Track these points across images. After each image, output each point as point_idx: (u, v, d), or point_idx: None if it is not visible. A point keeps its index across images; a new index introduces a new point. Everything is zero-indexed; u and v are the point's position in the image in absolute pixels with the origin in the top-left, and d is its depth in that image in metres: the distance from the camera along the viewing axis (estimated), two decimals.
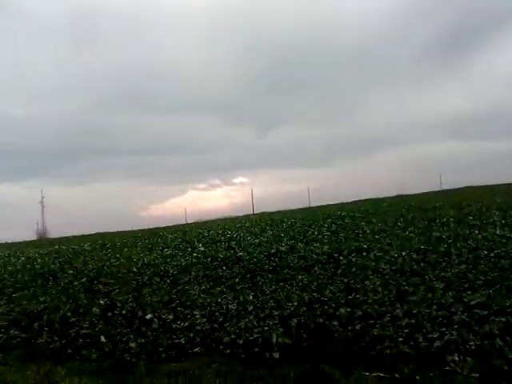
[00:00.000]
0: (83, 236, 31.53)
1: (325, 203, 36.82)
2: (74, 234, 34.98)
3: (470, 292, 6.33)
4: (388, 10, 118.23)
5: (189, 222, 59.88)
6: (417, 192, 34.03)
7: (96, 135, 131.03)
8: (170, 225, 36.40)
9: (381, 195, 34.60)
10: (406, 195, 31.84)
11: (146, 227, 37.57)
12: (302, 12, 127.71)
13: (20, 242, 33.52)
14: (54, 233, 66.28)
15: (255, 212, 54.16)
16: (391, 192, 36.35)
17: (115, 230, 34.96)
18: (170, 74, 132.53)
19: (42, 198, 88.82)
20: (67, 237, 33.31)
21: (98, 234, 32.23)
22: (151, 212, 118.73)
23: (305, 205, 48.00)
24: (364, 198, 33.51)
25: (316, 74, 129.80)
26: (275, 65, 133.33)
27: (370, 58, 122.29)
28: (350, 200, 34.28)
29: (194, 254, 12.09)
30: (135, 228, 38.88)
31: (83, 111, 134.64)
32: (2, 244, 32.85)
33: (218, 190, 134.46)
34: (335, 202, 35.16)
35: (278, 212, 32.30)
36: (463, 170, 76.40)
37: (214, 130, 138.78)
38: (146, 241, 17.98)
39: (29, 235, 64.32)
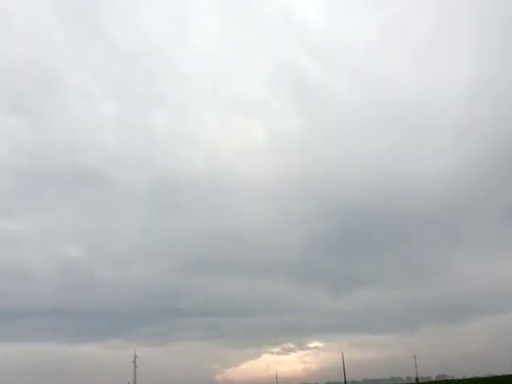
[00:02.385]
0: None
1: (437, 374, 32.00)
2: None
3: None
4: (467, 167, 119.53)
5: None
6: None
7: (174, 296, 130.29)
8: None
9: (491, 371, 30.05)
10: None
11: None
12: (378, 173, 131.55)
13: None
14: None
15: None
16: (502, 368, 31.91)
17: None
18: (246, 237, 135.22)
19: (135, 357, 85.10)
20: None
21: None
22: (225, 376, 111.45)
23: (398, 374, 42.04)
24: (481, 376, 28.84)
25: (393, 234, 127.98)
26: (351, 226, 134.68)
27: (450, 215, 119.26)
28: (456, 374, 29.61)
29: None
30: None
31: (162, 274, 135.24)
32: None
33: (291, 354, 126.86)
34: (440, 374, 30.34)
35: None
36: None
37: (288, 291, 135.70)
38: None
39: None
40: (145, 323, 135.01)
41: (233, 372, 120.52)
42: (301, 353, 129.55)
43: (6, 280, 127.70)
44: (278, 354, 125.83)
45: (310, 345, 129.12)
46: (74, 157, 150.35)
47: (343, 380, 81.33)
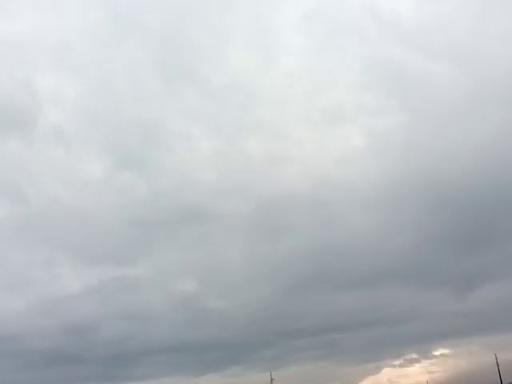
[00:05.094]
0: None
1: None
2: None
3: None
4: None
5: None
6: None
7: (287, 318, 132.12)
8: None
9: None
10: None
11: None
12: (494, 155, 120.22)
13: None
14: None
15: None
16: None
17: None
18: (354, 246, 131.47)
19: (272, 379, 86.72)
20: None
21: None
22: None
23: None
24: None
25: None
26: (468, 218, 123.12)
27: None
28: None
29: None
30: None
31: (273, 296, 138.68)
32: None
33: (415, 365, 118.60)
34: None
35: None
36: None
37: (405, 298, 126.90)
38: None
39: None
40: (260, 348, 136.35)
41: None
42: (426, 362, 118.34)
43: (131, 323, 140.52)
44: (400, 366, 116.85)
45: (436, 352, 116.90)
46: (179, 197, 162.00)
47: None
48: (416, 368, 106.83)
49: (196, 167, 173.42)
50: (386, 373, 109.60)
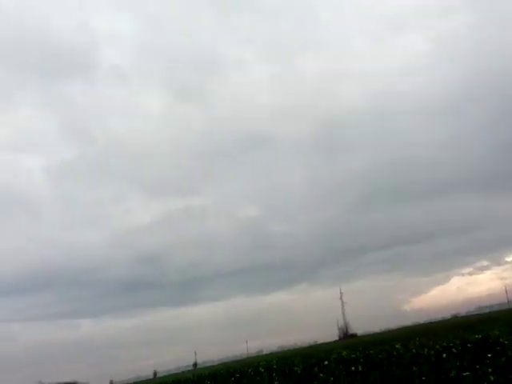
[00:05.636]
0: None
1: None
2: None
3: None
4: None
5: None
6: None
7: (353, 234, 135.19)
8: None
9: None
10: None
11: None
12: None
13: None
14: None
15: None
16: None
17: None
18: (420, 158, 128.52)
19: (341, 294, 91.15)
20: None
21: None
22: (413, 305, 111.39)
23: None
24: None
25: None
26: None
27: None
28: None
29: None
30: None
31: (339, 214, 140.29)
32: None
33: (486, 272, 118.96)
34: None
35: None
36: None
37: (474, 207, 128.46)
38: None
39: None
40: (327, 266, 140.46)
41: (421, 300, 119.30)
42: (497, 269, 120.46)
43: (201, 249, 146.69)
44: (469, 274, 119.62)
45: (508, 258, 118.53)
46: (237, 125, 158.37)
47: None
48: (487, 275, 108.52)
49: (251, 93, 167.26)
50: (455, 282, 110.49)
